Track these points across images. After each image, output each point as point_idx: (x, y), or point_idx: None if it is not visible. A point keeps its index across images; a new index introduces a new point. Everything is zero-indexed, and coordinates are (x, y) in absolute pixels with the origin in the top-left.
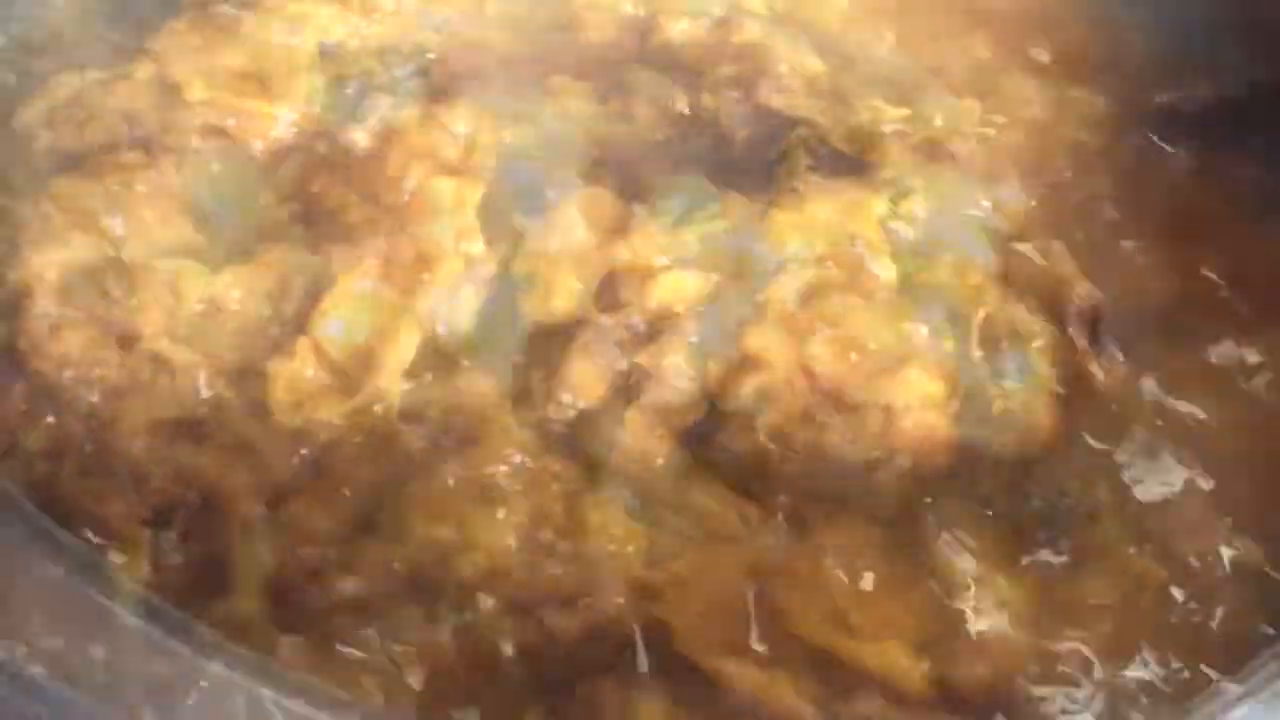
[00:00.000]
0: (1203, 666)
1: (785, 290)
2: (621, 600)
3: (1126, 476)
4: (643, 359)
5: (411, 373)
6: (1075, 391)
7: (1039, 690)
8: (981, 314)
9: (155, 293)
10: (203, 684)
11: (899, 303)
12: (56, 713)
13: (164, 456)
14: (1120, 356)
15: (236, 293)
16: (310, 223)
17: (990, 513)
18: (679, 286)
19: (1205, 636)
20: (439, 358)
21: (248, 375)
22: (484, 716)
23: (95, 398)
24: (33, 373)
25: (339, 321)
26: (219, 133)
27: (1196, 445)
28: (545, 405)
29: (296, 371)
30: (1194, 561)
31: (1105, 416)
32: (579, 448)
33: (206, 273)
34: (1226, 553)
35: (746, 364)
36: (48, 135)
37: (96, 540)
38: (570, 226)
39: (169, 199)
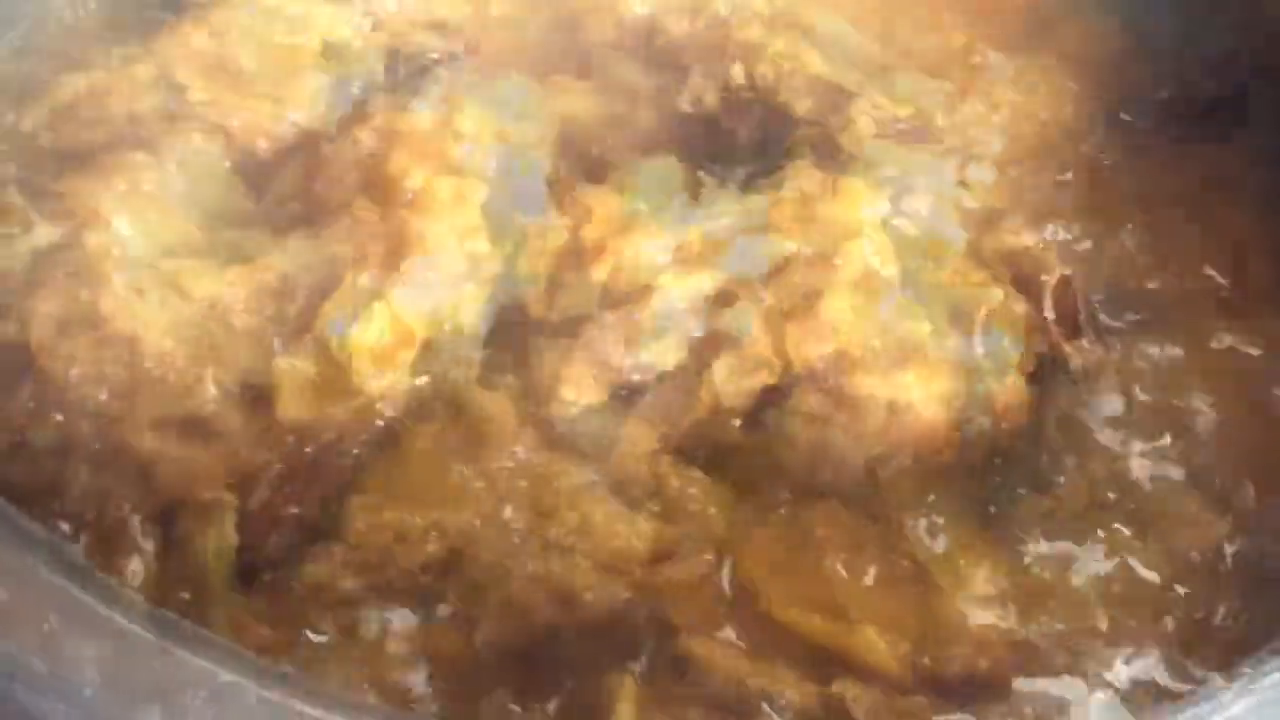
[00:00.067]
0: (1196, 662)
1: (788, 287)
2: (628, 595)
3: (1112, 464)
4: (645, 356)
5: (416, 371)
6: (1051, 373)
7: (1023, 678)
8: (984, 311)
9: (161, 292)
10: (211, 686)
11: (901, 299)
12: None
13: (171, 454)
14: (1095, 337)
15: (241, 292)
16: (314, 222)
17: (974, 500)
18: (682, 284)
19: (1200, 631)
20: (444, 356)
21: (253, 374)
22: (485, 712)
23: (102, 396)
24: (40, 371)
25: (343, 320)
26: (222, 133)
27: (1177, 429)
28: (549, 403)
29: (301, 370)
30: (1186, 555)
31: (1083, 398)
32: (582, 444)
33: (211, 272)
34: (1217, 545)
35: (749, 361)
36: (51, 136)
37: (99, 537)
38: (573, 224)
39: (173, 199)
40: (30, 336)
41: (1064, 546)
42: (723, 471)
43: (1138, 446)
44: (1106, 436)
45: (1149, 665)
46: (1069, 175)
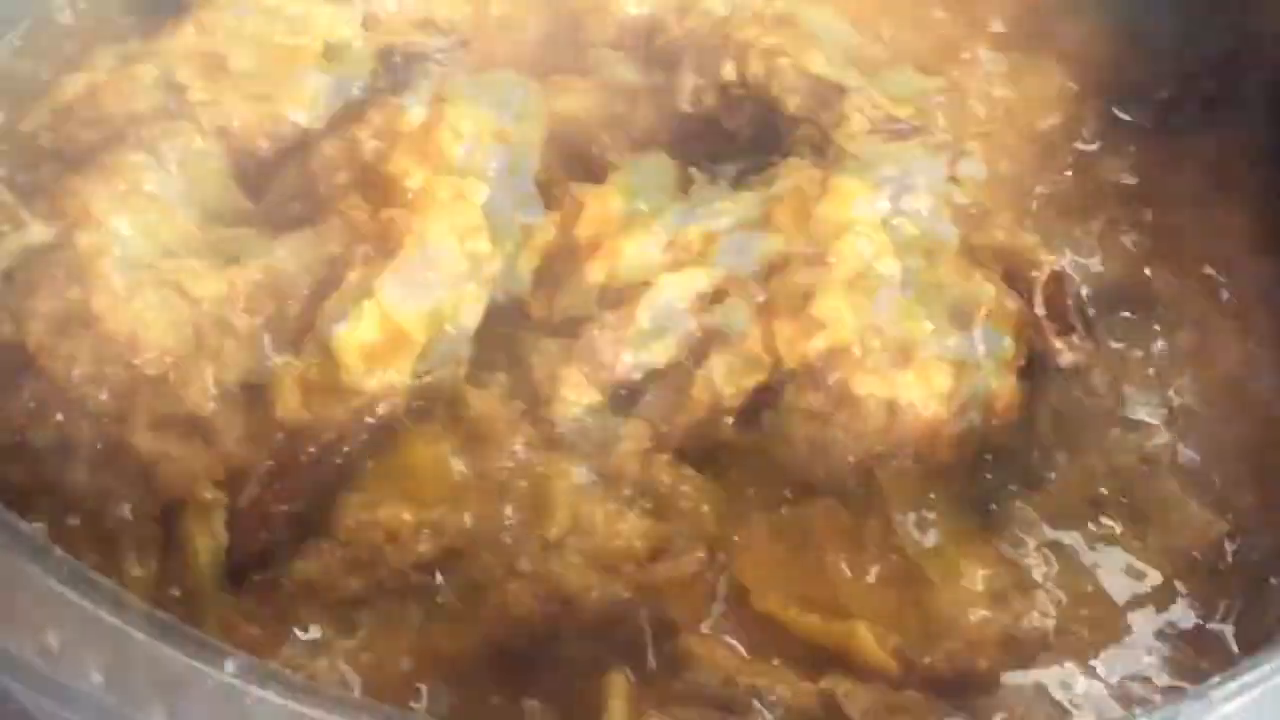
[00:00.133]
0: (1190, 659)
1: (781, 285)
2: (621, 593)
3: (1104, 460)
4: (639, 355)
5: (410, 370)
6: (1043, 369)
7: (1015, 674)
8: (976, 308)
9: (156, 292)
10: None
11: (894, 296)
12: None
13: (163, 453)
14: (1086, 333)
15: (237, 291)
16: (313, 221)
17: (966, 496)
18: (675, 282)
19: (1195, 628)
20: (436, 355)
21: (246, 373)
22: (477, 710)
23: (95, 395)
24: (35, 370)
25: (345, 320)
26: (223, 133)
27: (1170, 426)
28: (542, 402)
29: (295, 369)
30: (1180, 551)
31: (1075, 394)
32: (575, 443)
33: (208, 272)
34: (1212, 543)
35: (742, 359)
36: (52, 136)
37: (90, 536)
38: (566, 223)
39: (172, 198)
40: (25, 336)
41: (1056, 543)
42: (717, 470)
43: (1130, 442)
44: (1099, 433)
45: (1142, 662)
46: (1063, 172)
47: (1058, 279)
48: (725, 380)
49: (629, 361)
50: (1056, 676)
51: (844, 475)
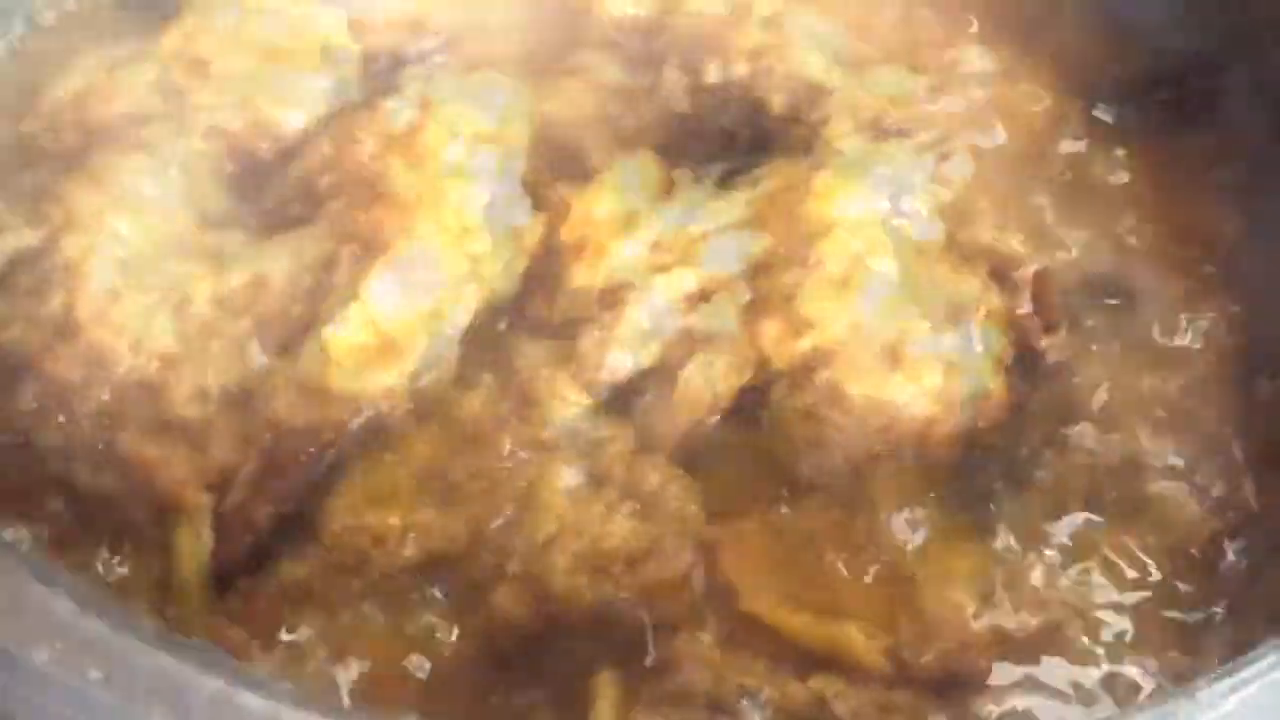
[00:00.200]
0: (1180, 657)
1: (767, 284)
2: (608, 595)
3: (1092, 457)
4: (625, 355)
5: (406, 373)
6: (1029, 367)
7: (1005, 673)
8: (961, 306)
9: (144, 296)
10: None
11: (879, 295)
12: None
13: (149, 457)
14: (1070, 330)
15: (228, 295)
16: (304, 225)
17: (954, 495)
18: (661, 282)
19: (1186, 625)
20: (434, 358)
21: (234, 376)
22: (465, 712)
23: (107, 395)
24: (44, 372)
25: (333, 323)
26: (225, 133)
27: (1156, 421)
28: (529, 403)
29: (291, 373)
30: (1170, 547)
31: (1061, 391)
32: (562, 444)
33: (201, 275)
34: (1202, 538)
35: (728, 359)
36: (52, 136)
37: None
38: (552, 223)
39: (162, 203)
40: (12, 342)
41: (1046, 541)
42: (706, 470)
43: (1118, 440)
44: (1086, 429)
45: (1132, 660)
46: (1046, 170)
47: (1043, 277)
48: (713, 380)
49: (616, 362)
50: (1047, 675)
51: (833, 474)
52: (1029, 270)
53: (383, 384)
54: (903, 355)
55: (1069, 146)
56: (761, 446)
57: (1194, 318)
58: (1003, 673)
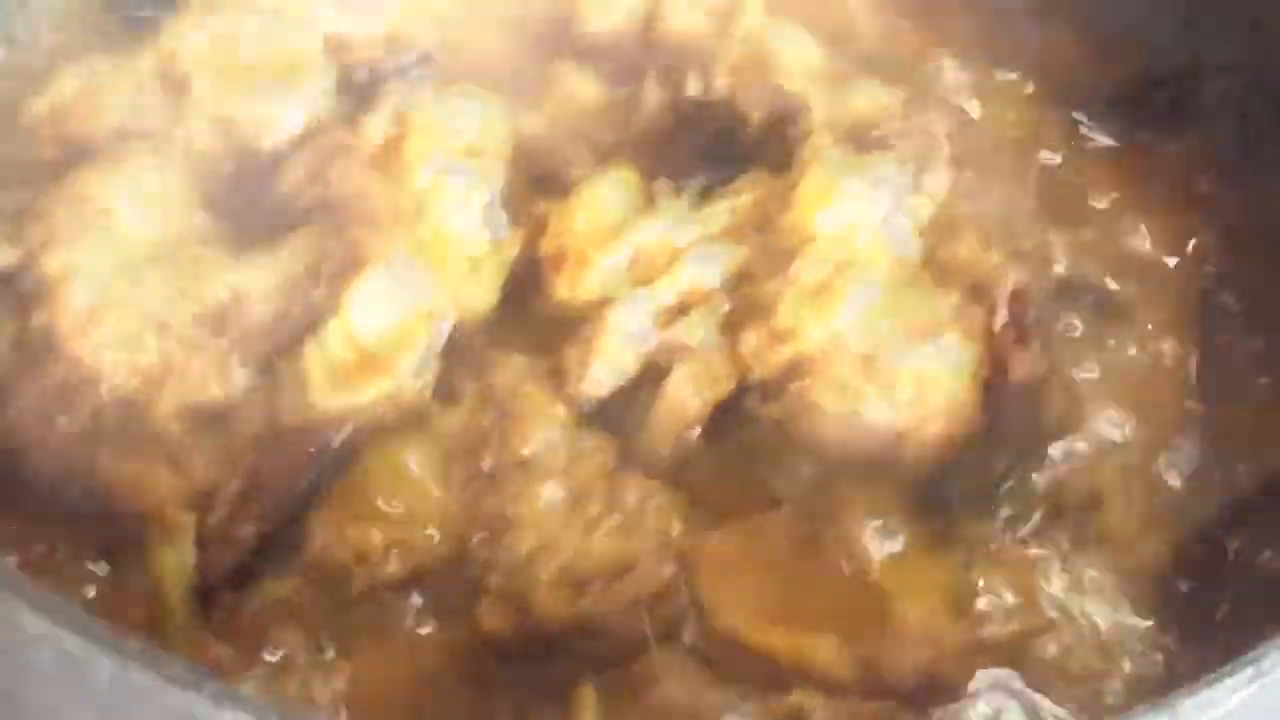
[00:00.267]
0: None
1: (745, 296)
2: (587, 610)
3: (1063, 469)
4: (605, 370)
5: (386, 388)
6: (1002, 381)
7: (977, 681)
8: (938, 320)
9: (128, 315)
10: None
11: (857, 307)
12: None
13: (129, 474)
14: (1043, 345)
15: (210, 312)
16: (282, 241)
17: (926, 507)
18: (649, 298)
19: (1161, 638)
20: (413, 373)
21: (223, 395)
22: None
23: (88, 414)
24: (25, 391)
25: (312, 339)
26: (227, 127)
27: (1132, 432)
28: (517, 420)
29: (271, 390)
30: (1140, 557)
31: (1033, 404)
32: (542, 460)
33: (179, 293)
34: (1172, 547)
35: (708, 371)
36: (54, 131)
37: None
38: (591, 210)
39: (140, 221)
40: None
41: (1018, 553)
42: (686, 483)
43: (1093, 453)
44: (1060, 444)
45: (1107, 671)
46: (1026, 181)
47: (1020, 294)
48: (692, 393)
49: (598, 376)
50: (1021, 684)
51: (806, 485)
52: (1005, 286)
53: (364, 400)
54: (878, 367)
55: (1048, 157)
56: (741, 459)
57: (1171, 331)
58: (976, 683)
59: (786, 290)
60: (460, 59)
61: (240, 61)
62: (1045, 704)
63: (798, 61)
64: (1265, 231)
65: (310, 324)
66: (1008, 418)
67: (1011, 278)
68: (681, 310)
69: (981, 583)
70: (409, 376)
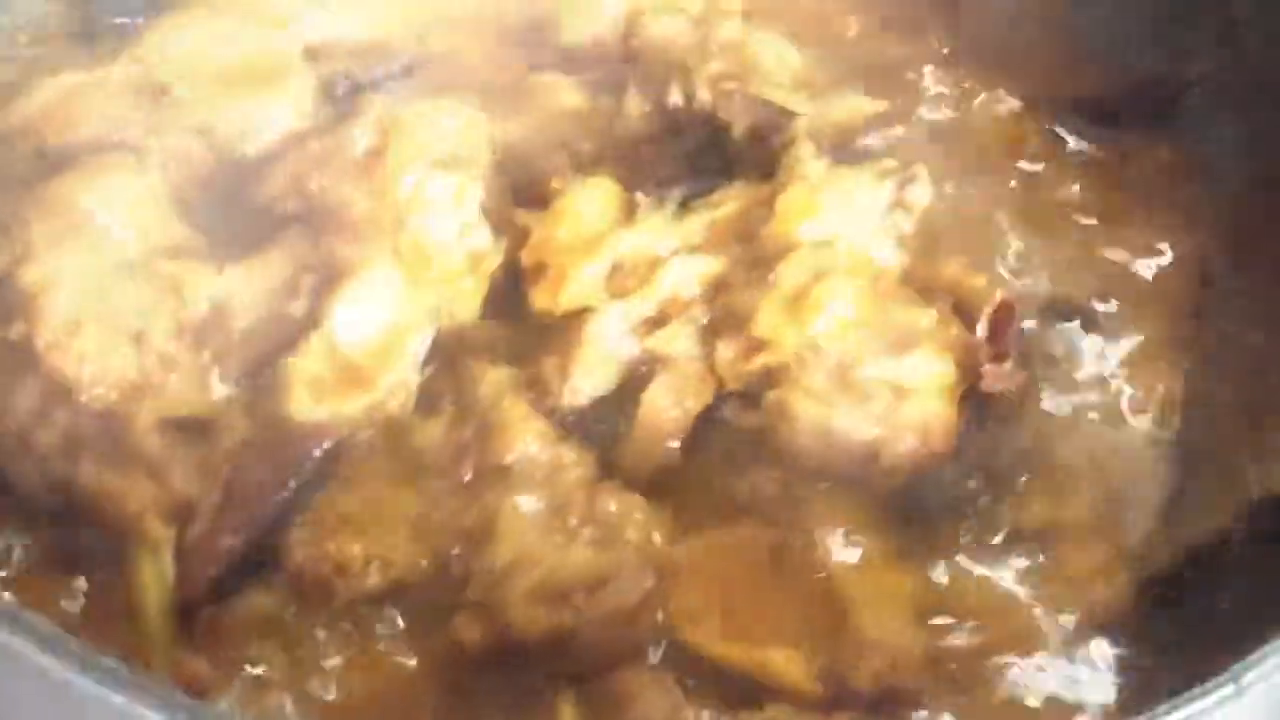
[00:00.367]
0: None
1: (724, 307)
2: (563, 625)
3: (1035, 488)
4: (584, 381)
5: (366, 401)
6: (978, 397)
7: (942, 693)
8: (918, 333)
9: (107, 327)
10: None
11: (837, 318)
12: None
13: (107, 488)
14: (1020, 363)
15: (189, 325)
16: (262, 253)
17: (896, 520)
18: (629, 309)
19: (1124, 658)
20: (394, 386)
21: (202, 407)
22: None
23: (67, 426)
24: (3, 403)
25: (292, 352)
26: (208, 133)
27: (1105, 452)
28: (497, 433)
29: (251, 402)
30: (1103, 577)
31: (1012, 423)
32: (521, 473)
33: (158, 305)
34: (1135, 568)
35: (687, 382)
36: (33, 139)
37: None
38: (571, 221)
39: (135, 227)
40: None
41: (985, 568)
42: (665, 494)
43: (1064, 473)
44: (1032, 462)
45: (1069, 687)
46: (1008, 191)
47: (1002, 311)
48: (672, 404)
49: (578, 387)
50: (984, 696)
51: (776, 495)
52: (990, 303)
53: (344, 413)
54: (853, 378)
55: (1030, 166)
56: (721, 470)
57: (1150, 348)
58: (938, 694)
59: (764, 299)
60: (441, 68)
61: (219, 70)
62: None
63: (780, 71)
64: (1249, 238)
65: (291, 336)
66: (982, 436)
67: (995, 294)
68: (661, 320)
69: (945, 597)
70: (391, 388)
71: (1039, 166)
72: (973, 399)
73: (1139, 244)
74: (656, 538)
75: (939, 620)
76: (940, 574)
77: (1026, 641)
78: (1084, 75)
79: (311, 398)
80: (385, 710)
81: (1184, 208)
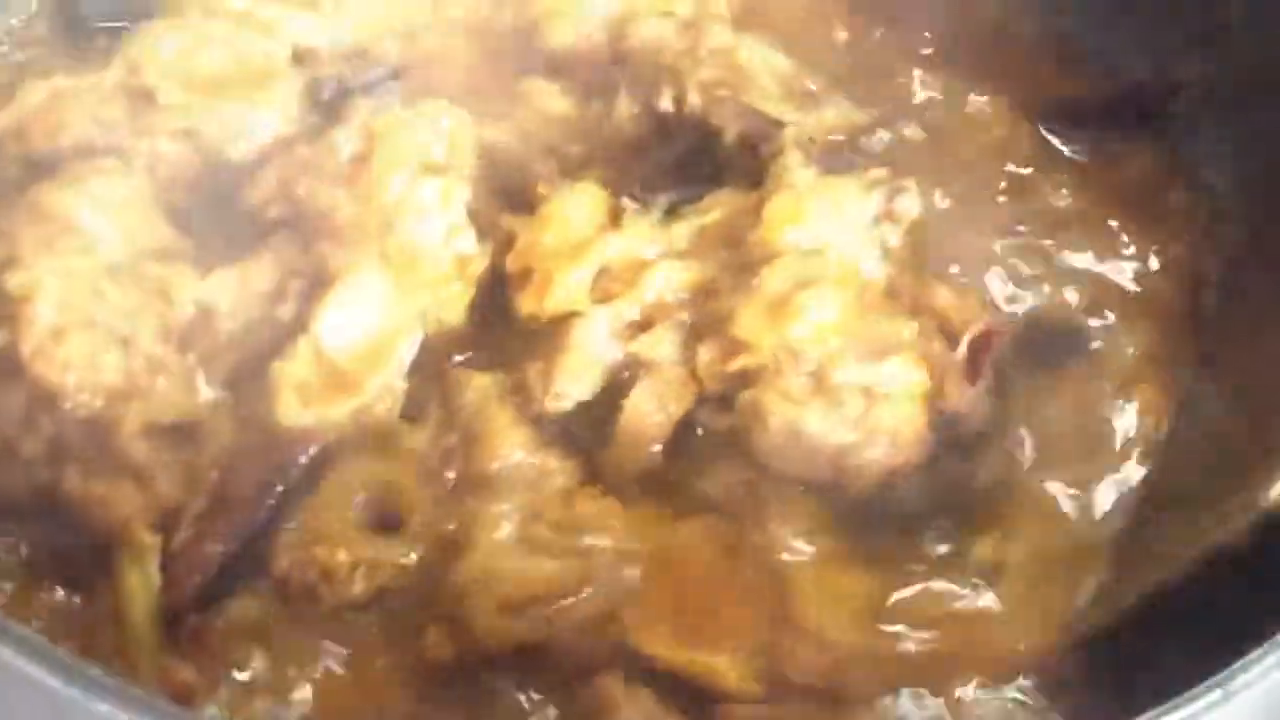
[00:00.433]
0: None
1: (707, 311)
2: (532, 634)
3: (996, 503)
4: (569, 386)
5: (353, 406)
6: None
7: (889, 695)
8: (897, 345)
9: (93, 334)
10: None
11: (817, 324)
12: None
13: (93, 495)
14: (992, 385)
15: (176, 330)
16: (249, 257)
17: (857, 527)
18: (613, 313)
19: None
20: (381, 391)
21: (189, 413)
22: None
23: (52, 433)
24: (31, 381)
25: (279, 357)
26: (195, 137)
27: (1079, 484)
28: (480, 441)
29: (237, 407)
30: (1061, 605)
31: (984, 448)
32: (502, 479)
33: (144, 310)
34: (1096, 602)
35: (669, 387)
36: (19, 144)
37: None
38: (557, 226)
39: (120, 233)
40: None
41: (938, 580)
42: (646, 500)
43: (1028, 498)
44: (992, 493)
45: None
46: (994, 195)
47: (988, 335)
48: (655, 408)
49: (561, 393)
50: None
51: (740, 495)
52: (975, 325)
53: (331, 418)
54: (828, 382)
55: (1019, 170)
56: (692, 471)
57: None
58: (886, 696)
59: (746, 302)
60: (428, 73)
61: (206, 74)
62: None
63: (769, 78)
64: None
65: (278, 340)
66: (950, 460)
67: (982, 320)
68: (645, 325)
69: (894, 606)
70: (378, 393)
71: (1027, 171)
72: (945, 421)
73: (1126, 249)
74: (629, 545)
75: (889, 627)
76: (891, 584)
77: (967, 665)
78: (1073, 79)
79: (299, 402)
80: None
81: (1172, 212)
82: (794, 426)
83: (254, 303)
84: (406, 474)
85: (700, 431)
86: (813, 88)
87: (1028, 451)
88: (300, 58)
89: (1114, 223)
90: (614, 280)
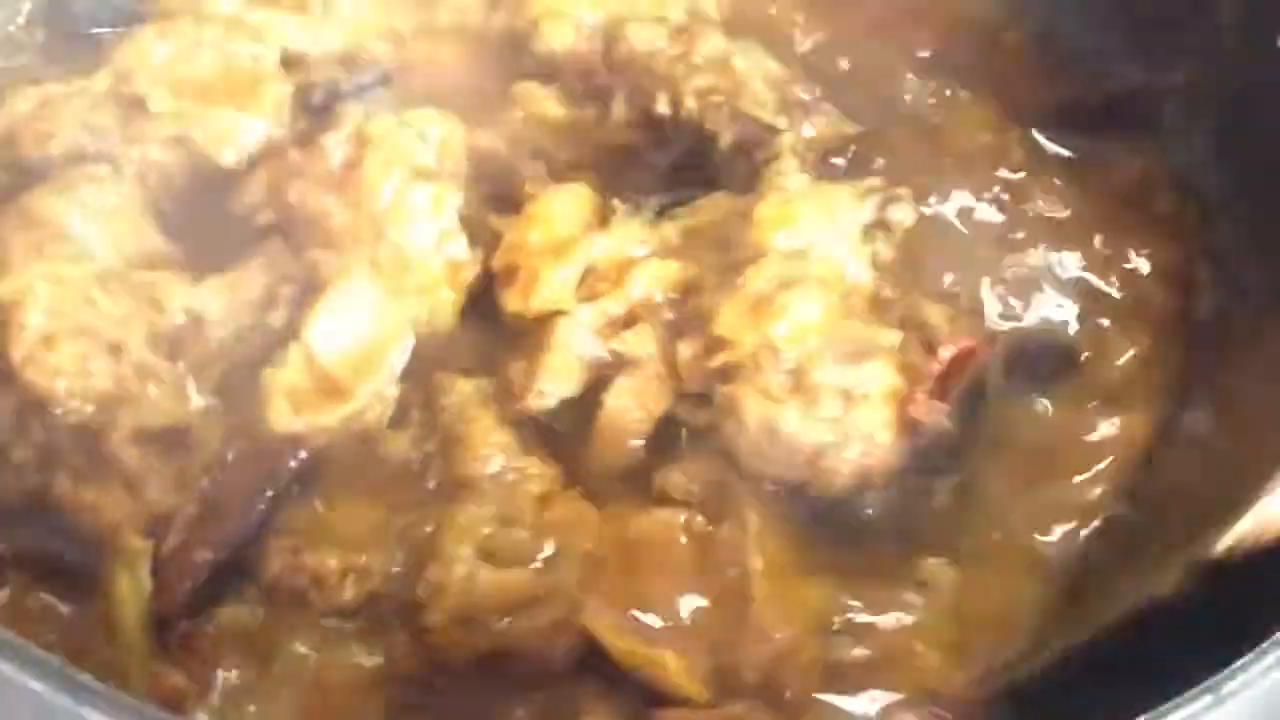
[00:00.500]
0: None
1: (691, 311)
2: (493, 643)
3: (973, 531)
4: (552, 385)
5: (344, 412)
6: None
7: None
8: (877, 354)
9: (82, 340)
10: None
11: (798, 324)
12: None
13: (96, 503)
14: (956, 408)
15: (166, 336)
16: (239, 264)
17: (821, 531)
18: (597, 311)
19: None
20: (373, 397)
21: (179, 419)
22: None
23: (42, 440)
24: (21, 387)
25: (270, 363)
26: (185, 143)
27: (1055, 481)
28: (460, 446)
29: (227, 414)
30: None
31: (954, 469)
32: (484, 483)
33: (134, 317)
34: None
35: (651, 385)
36: (9, 151)
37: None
38: (544, 224)
39: (95, 244)
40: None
41: (906, 584)
42: (622, 502)
43: (993, 524)
44: (974, 485)
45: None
46: (986, 201)
47: (969, 354)
48: (634, 406)
49: (543, 393)
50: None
51: (706, 492)
52: (956, 343)
53: (322, 424)
54: (807, 382)
55: (1011, 176)
56: (674, 472)
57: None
58: (834, 700)
59: (728, 300)
60: (419, 78)
61: (195, 80)
62: None
63: (762, 84)
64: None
65: (269, 347)
66: (917, 470)
67: (967, 338)
68: (629, 323)
69: (843, 615)
70: (369, 399)
71: (1019, 176)
72: (914, 431)
73: (1117, 253)
74: (604, 548)
75: (840, 635)
76: (846, 594)
77: (902, 682)
78: (1065, 84)
79: (290, 409)
80: None
81: (1163, 216)
82: (771, 424)
83: (244, 309)
84: (390, 478)
85: (689, 430)
86: (805, 96)
87: (991, 477)
88: (290, 63)
89: (1106, 227)
90: (600, 279)
